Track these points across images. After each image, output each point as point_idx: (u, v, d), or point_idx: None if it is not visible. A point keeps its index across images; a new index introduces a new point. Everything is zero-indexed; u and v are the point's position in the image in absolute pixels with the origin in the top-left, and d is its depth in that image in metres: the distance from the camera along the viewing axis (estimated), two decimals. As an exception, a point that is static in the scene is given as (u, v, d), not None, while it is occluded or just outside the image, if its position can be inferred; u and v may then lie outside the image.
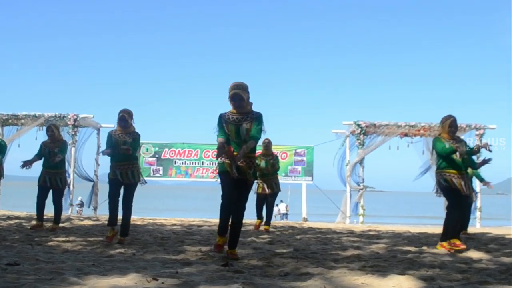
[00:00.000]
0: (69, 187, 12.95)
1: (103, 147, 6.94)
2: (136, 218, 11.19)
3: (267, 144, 9.09)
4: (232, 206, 4.90)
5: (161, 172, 14.29)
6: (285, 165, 14.13)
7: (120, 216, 6.34)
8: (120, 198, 6.32)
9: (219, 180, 5.07)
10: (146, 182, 6.75)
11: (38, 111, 13.80)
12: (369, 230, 10.09)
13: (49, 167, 7.73)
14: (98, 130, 14.11)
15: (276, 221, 14.59)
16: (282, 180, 12.46)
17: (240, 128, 4.83)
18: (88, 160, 14.33)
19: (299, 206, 16.59)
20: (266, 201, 9.26)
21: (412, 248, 6.28)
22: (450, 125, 6.34)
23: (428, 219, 22.53)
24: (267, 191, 9.10)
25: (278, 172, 9.41)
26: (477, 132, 13.45)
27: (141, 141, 6.65)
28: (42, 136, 7.96)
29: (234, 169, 4.78)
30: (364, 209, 13.55)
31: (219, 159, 4.91)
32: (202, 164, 14.20)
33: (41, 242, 5.93)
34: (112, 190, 6.28)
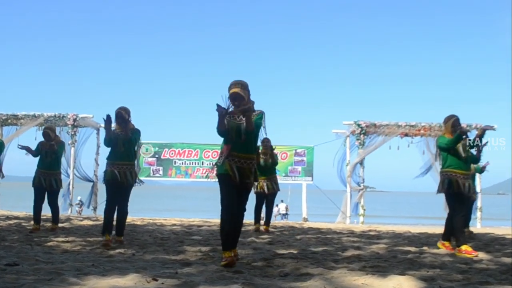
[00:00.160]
0: (68, 188, 12.97)
1: (103, 147, 6.87)
2: (136, 218, 11.19)
3: (266, 144, 9.06)
4: (234, 219, 4.57)
5: (161, 172, 14.27)
6: (285, 165, 14.12)
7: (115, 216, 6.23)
8: None
9: (216, 180, 4.70)
10: (143, 182, 6.66)
11: (37, 111, 13.81)
12: (370, 230, 10.09)
13: (44, 168, 7.70)
14: (98, 130, 14.07)
15: (276, 221, 14.60)
16: (282, 180, 12.46)
17: (240, 128, 4.56)
18: (88, 160, 14.35)
19: (299, 206, 16.57)
20: (266, 200, 9.24)
21: (412, 248, 6.27)
22: (453, 124, 6.31)
23: (429, 219, 22.51)
24: (266, 191, 9.08)
25: (277, 172, 9.36)
26: (478, 132, 13.41)
27: (141, 141, 6.53)
28: (41, 136, 7.94)
29: (235, 170, 4.52)
30: (364, 209, 13.54)
31: (219, 159, 4.66)
32: (202, 164, 14.17)
33: (41, 243, 5.92)
34: (111, 194, 6.11)
